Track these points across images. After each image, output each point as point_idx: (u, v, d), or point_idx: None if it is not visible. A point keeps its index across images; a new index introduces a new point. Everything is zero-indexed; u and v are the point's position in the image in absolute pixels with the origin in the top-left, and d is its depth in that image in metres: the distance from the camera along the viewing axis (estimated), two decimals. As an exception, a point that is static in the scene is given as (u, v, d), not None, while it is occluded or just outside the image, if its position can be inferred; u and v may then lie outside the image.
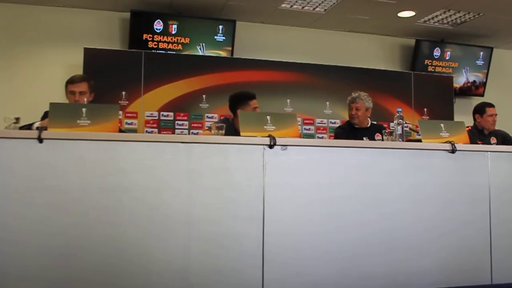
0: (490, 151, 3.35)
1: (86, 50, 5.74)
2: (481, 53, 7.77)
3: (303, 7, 6.41)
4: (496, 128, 4.94)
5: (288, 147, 2.90)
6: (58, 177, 2.56)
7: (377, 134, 4.16)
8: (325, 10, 6.49)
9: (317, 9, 6.47)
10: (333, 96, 6.64)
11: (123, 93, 5.85)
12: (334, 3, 6.23)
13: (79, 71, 5.52)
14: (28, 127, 3.19)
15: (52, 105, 2.78)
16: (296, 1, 6.22)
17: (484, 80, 7.83)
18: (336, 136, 4.56)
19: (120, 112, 5.69)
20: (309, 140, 4.44)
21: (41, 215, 2.52)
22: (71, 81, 3.70)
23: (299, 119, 6.36)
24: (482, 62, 7.79)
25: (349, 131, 4.50)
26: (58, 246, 2.52)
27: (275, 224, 2.82)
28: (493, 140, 4.73)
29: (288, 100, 6.48)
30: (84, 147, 2.61)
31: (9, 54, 6.01)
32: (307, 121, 6.57)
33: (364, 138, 4.13)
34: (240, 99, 4.12)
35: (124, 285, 2.59)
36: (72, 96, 3.62)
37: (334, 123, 6.61)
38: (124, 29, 6.35)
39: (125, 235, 2.61)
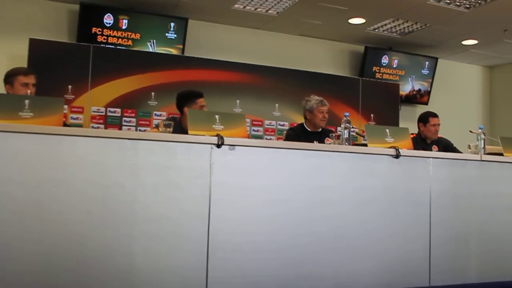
0: (432, 157, 3.45)
1: (32, 41, 5.56)
2: (427, 62, 8.00)
3: (256, 9, 6.43)
4: (439, 135, 5.07)
5: (236, 147, 2.90)
6: (-3, 170, 2.47)
7: (327, 138, 4.20)
8: (277, 12, 6.53)
9: (269, 11, 6.50)
10: (283, 99, 6.69)
11: (69, 87, 5.70)
12: (287, 6, 6.27)
13: (24, 62, 5.37)
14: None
15: (-8, 95, 2.68)
16: (249, 3, 6.23)
17: (429, 89, 8.07)
18: (287, 138, 4.58)
19: (66, 107, 5.56)
20: (257, 140, 4.44)
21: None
22: (24, 73, 3.57)
23: (248, 120, 6.38)
24: (428, 72, 8.03)
25: (300, 134, 4.52)
26: (-6, 241, 2.43)
27: (220, 224, 2.81)
28: (435, 148, 4.85)
29: (238, 101, 6.48)
30: (26, 140, 2.52)
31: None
32: (256, 123, 6.59)
33: (315, 142, 4.16)
34: (187, 97, 4.10)
35: (64, 282, 2.51)
36: (24, 88, 3.48)
37: (283, 125, 6.67)
38: (72, 21, 6.19)
39: (66, 231, 2.53)
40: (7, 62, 5.43)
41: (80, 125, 5.67)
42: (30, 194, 2.50)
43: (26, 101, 2.68)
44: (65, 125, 3.25)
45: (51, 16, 6.17)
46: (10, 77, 3.55)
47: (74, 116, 5.72)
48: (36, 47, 5.57)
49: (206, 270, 2.76)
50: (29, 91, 3.46)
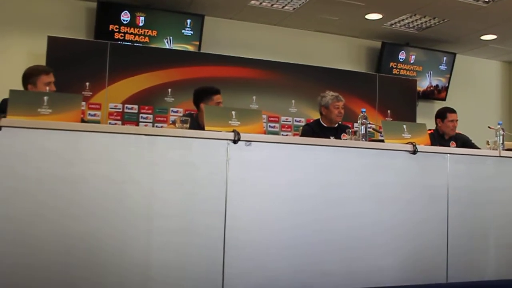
0: (449, 153, 3.42)
1: (50, 39, 5.61)
2: (445, 58, 7.92)
3: (272, 5, 6.42)
4: (457, 131, 5.03)
5: (252, 143, 2.90)
6: (16, 166, 2.49)
7: (344, 134, 4.19)
8: (294, 9, 6.51)
9: (286, 7, 6.48)
10: (299, 95, 6.68)
11: (87, 84, 5.74)
12: (303, 2, 6.25)
13: (42, 60, 5.43)
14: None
15: (12, 92, 2.70)
16: (265, -1, 6.23)
17: (447, 84, 7.99)
18: (303, 134, 4.58)
19: (84, 103, 5.60)
20: (274, 136, 4.46)
21: (-3, 204, 2.45)
22: (46, 72, 3.62)
23: (264, 116, 6.38)
24: (445, 67, 7.95)
25: (317, 130, 4.52)
26: (14, 235, 2.46)
27: (236, 219, 2.82)
28: (453, 144, 4.81)
29: (254, 97, 6.48)
30: (44, 136, 2.55)
31: (-30, 40, 5.85)
32: (272, 119, 6.59)
33: (331, 138, 4.15)
34: (204, 93, 4.11)
35: (82, 276, 2.54)
36: (46, 87, 3.53)
37: (299, 121, 6.65)
38: (90, 19, 6.24)
39: (84, 226, 2.56)
40: (26, 59, 5.50)
41: (97, 122, 5.71)
42: (48, 189, 2.53)
43: (45, 98, 2.71)
44: (82, 121, 3.28)
45: (69, 14, 6.21)
46: (32, 77, 3.58)
47: (92, 112, 5.77)
48: (55, 45, 5.62)
49: (223, 266, 2.77)
50: (48, 89, 3.51)
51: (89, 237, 2.57)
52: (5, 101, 3.19)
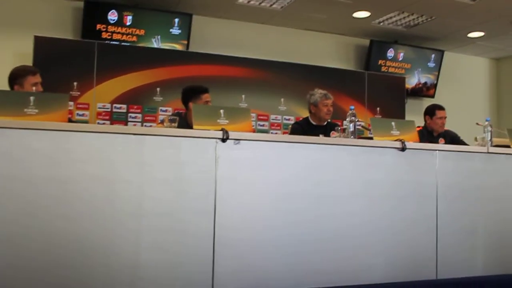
0: (438, 150, 3.43)
1: (37, 38, 5.57)
2: (433, 55, 7.96)
3: (260, 3, 6.41)
4: (446, 128, 5.06)
5: (241, 141, 2.89)
6: (2, 167, 2.47)
7: (333, 131, 4.19)
8: (282, 7, 6.51)
9: (273, 6, 6.48)
10: (288, 93, 6.68)
11: (75, 83, 5.71)
12: (291, 0, 6.25)
13: (29, 60, 5.39)
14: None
15: (-3, 92, 2.69)
16: (254, -3, 6.22)
17: (435, 82, 8.03)
18: (292, 132, 4.58)
19: (71, 103, 5.57)
20: (262, 134, 4.45)
21: (-18, 205, 2.43)
22: (32, 73, 3.60)
23: (253, 115, 6.38)
24: (434, 64, 7.99)
25: (306, 128, 4.52)
26: (1, 235, 2.43)
27: (226, 218, 2.81)
28: (442, 141, 4.84)
29: (243, 96, 6.48)
30: (31, 136, 2.53)
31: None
32: (261, 117, 6.59)
33: (321, 135, 4.15)
34: (192, 92, 4.12)
35: (71, 276, 2.53)
36: (33, 88, 3.51)
37: (289, 119, 6.66)
38: (77, 18, 6.20)
39: (73, 226, 2.54)
40: (13, 59, 5.44)
41: (86, 122, 5.68)
42: (36, 190, 2.51)
43: (31, 98, 2.69)
44: (70, 121, 3.26)
45: (56, 13, 6.17)
46: (19, 78, 3.55)
47: (80, 112, 5.73)
48: (41, 45, 5.58)
49: (212, 265, 2.76)
50: (34, 89, 3.49)
51: (78, 237, 2.56)
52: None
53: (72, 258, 2.54)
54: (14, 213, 2.46)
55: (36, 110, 2.66)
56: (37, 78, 3.59)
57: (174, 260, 2.71)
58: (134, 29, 6.28)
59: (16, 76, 3.57)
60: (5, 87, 3.53)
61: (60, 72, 5.54)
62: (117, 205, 2.64)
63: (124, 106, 5.94)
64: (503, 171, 3.63)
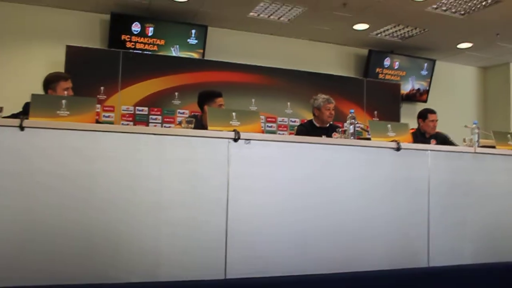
0: (430, 150, 3.42)
1: (68, 48, 5.62)
2: (425, 64, 7.93)
3: (269, 16, 6.41)
4: (437, 130, 5.03)
5: (251, 141, 2.89)
6: (37, 163, 2.49)
7: (334, 133, 4.18)
8: (289, 20, 6.51)
9: (281, 18, 6.48)
10: (294, 98, 6.68)
11: (102, 88, 5.75)
12: (297, 14, 6.25)
13: (61, 67, 5.43)
14: (15, 116, 3.08)
15: (33, 96, 2.70)
16: (263, 11, 6.22)
17: (428, 88, 8.00)
18: (298, 133, 4.58)
19: (99, 106, 5.61)
20: (271, 135, 4.43)
21: (20, 199, 2.44)
22: (64, 78, 3.61)
23: (262, 117, 6.38)
24: (426, 72, 7.96)
25: (310, 129, 4.52)
26: (35, 229, 2.45)
27: (237, 211, 2.81)
28: (433, 142, 4.80)
29: (253, 100, 6.48)
30: (63, 136, 2.55)
31: (-4, 49, 5.85)
32: (270, 119, 6.59)
33: (323, 136, 4.14)
34: (207, 96, 4.12)
35: (99, 261, 2.54)
36: (64, 92, 3.54)
37: (294, 121, 6.66)
38: (104, 29, 6.24)
39: (100, 217, 2.55)
40: (47, 67, 5.47)
41: (111, 122, 5.71)
42: (68, 184, 2.53)
43: (63, 101, 2.70)
44: (97, 122, 3.28)
45: (85, 25, 6.21)
46: (52, 83, 3.57)
47: (106, 114, 5.76)
48: (72, 53, 5.62)
49: (225, 252, 2.76)
50: (66, 93, 3.52)
51: (106, 225, 2.57)
52: (27, 104, 3.18)
53: (101, 244, 2.55)
54: (46, 206, 2.48)
55: (68, 112, 2.68)
56: (69, 83, 3.61)
57: (191, 248, 2.71)
58: (155, 39, 6.30)
59: (50, 82, 3.59)
60: (40, 91, 3.55)
61: (89, 77, 5.57)
62: (140, 197, 2.65)
63: (146, 108, 5.97)
64: (489, 169, 3.60)
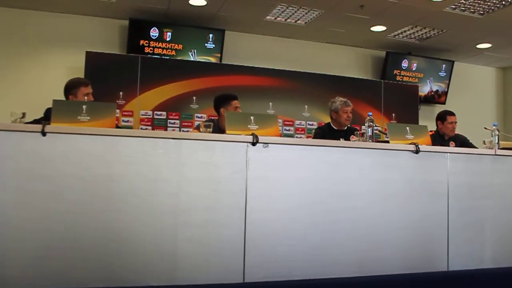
0: (449, 153, 3.38)
1: (88, 54, 5.69)
2: (444, 65, 7.85)
3: (285, 20, 6.42)
4: (456, 132, 4.98)
5: (269, 145, 2.90)
6: (59, 167, 2.53)
7: (352, 136, 4.16)
8: (305, 23, 6.50)
9: (298, 21, 6.48)
10: (311, 101, 6.67)
11: (121, 93, 5.81)
12: (314, 17, 6.24)
13: (81, 73, 5.50)
14: (37, 122, 3.13)
15: (55, 102, 2.74)
16: (280, 14, 6.22)
17: (446, 89, 7.91)
18: (315, 136, 4.56)
19: (118, 111, 5.66)
20: (289, 138, 4.43)
21: (42, 202, 2.48)
22: (85, 84, 3.66)
23: (280, 120, 6.38)
24: (445, 74, 7.87)
25: (327, 132, 4.50)
26: (57, 231, 2.49)
27: (256, 214, 2.82)
28: (452, 144, 4.76)
29: (271, 103, 6.48)
30: (84, 141, 2.58)
31: (17, 56, 5.96)
32: (287, 123, 6.58)
33: (341, 139, 4.13)
34: (223, 99, 4.13)
35: (118, 265, 2.56)
36: (85, 97, 3.58)
37: (312, 125, 6.64)
38: (123, 35, 6.31)
39: (119, 220, 2.58)
40: (67, 72, 5.57)
41: (130, 127, 5.76)
42: (88, 187, 2.56)
43: (84, 107, 2.75)
44: (117, 127, 3.31)
45: (104, 31, 6.29)
46: (73, 88, 3.61)
47: (125, 119, 5.82)
48: (92, 59, 5.70)
49: (244, 255, 2.77)
50: (86, 99, 3.56)
51: (125, 228, 2.59)
52: (48, 110, 3.23)
53: (119, 247, 2.58)
54: (66, 207, 2.51)
55: (88, 117, 2.71)
56: (89, 89, 3.65)
57: (209, 251, 2.72)
58: (173, 44, 6.35)
59: (71, 87, 3.64)
60: (61, 97, 3.60)
61: (108, 83, 5.65)
62: (158, 201, 2.67)
63: (164, 113, 6.01)
64: (509, 172, 3.55)
